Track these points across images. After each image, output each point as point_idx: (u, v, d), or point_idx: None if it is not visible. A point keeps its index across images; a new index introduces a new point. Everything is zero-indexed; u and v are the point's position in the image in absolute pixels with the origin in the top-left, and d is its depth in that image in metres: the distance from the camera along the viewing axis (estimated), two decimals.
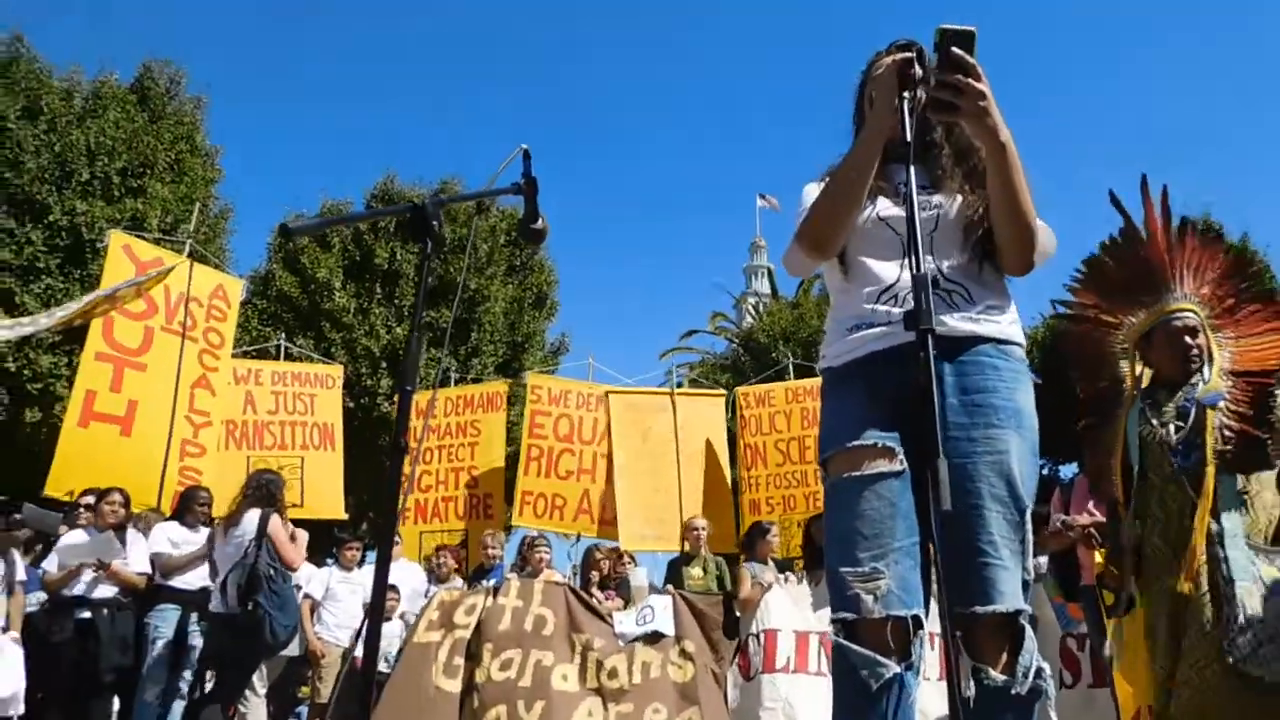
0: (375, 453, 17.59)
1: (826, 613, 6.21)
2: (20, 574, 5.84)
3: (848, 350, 2.10)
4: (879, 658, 1.84)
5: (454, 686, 6.43)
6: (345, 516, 10.39)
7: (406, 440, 1.69)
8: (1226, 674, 2.78)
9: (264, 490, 6.22)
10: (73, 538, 6.32)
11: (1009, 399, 2.00)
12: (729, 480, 10.57)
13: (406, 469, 1.78)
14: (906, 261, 2.03)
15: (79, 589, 6.11)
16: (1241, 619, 2.79)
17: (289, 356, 12.70)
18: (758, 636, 6.60)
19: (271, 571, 5.82)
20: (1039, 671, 1.91)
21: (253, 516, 5.96)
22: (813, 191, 2.25)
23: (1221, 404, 3.15)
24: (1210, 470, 3.03)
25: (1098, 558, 4.90)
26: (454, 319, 18.58)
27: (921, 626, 1.90)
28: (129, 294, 8.27)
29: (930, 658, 2.03)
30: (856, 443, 1.98)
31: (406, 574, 8.18)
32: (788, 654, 6.49)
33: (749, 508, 10.24)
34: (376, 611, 1.71)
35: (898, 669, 1.84)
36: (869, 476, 1.95)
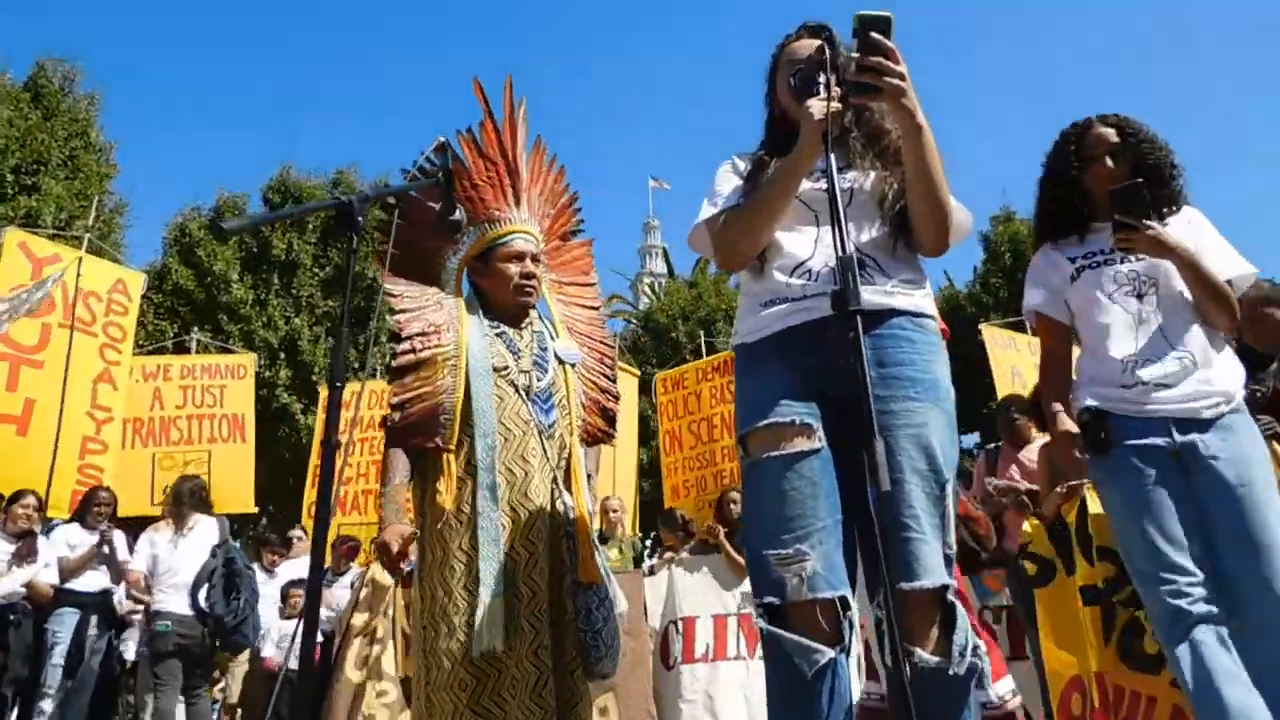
0: (275, 445, 17.07)
1: (739, 590, 6.22)
2: None
3: (763, 326, 2.01)
4: (812, 644, 1.74)
5: (358, 677, 6.18)
6: (255, 509, 10.00)
7: (338, 437, 1.59)
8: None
9: (199, 495, 6.31)
10: None
11: (926, 371, 1.92)
12: (637, 462, 10.36)
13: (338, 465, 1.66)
14: (819, 235, 2.01)
15: None
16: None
17: (188, 350, 12.17)
18: (676, 624, 6.44)
19: (249, 573, 5.93)
20: (975, 649, 1.79)
21: (211, 522, 6.10)
22: (726, 178, 2.18)
23: (578, 366, 2.80)
24: (574, 439, 2.68)
25: (1025, 526, 4.59)
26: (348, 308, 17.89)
27: (849, 608, 1.79)
28: (39, 304, 7.86)
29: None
30: (773, 419, 1.89)
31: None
32: (706, 641, 6.34)
33: (670, 494, 10.01)
34: (312, 610, 1.60)
35: (832, 654, 1.74)
36: (789, 456, 1.85)
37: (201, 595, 5.75)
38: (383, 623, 6.37)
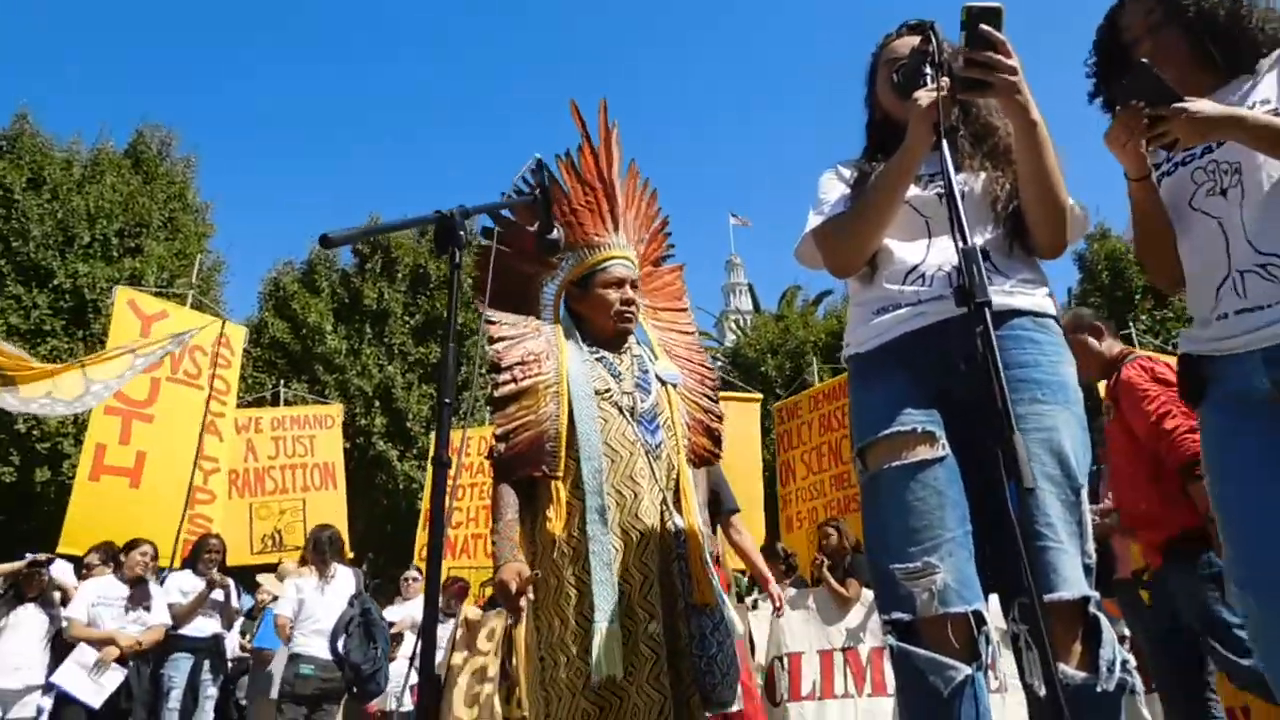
0: (372, 491, 17.42)
1: (844, 625, 6.07)
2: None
3: (876, 334, 1.94)
4: (948, 660, 1.66)
5: (471, 714, 6.23)
6: (351, 555, 10.22)
7: (448, 454, 1.58)
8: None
9: (337, 544, 6.54)
10: (99, 586, 6.15)
11: (1053, 373, 1.83)
12: (762, 491, 10.04)
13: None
14: (931, 241, 1.95)
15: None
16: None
17: (285, 402, 12.57)
18: (782, 660, 6.32)
19: (383, 623, 6.11)
20: (1123, 664, 1.68)
21: (348, 572, 6.35)
22: (831, 186, 2.13)
23: (680, 387, 2.74)
24: (682, 459, 2.59)
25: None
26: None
27: (984, 622, 1.72)
28: (170, 357, 8.33)
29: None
30: (894, 429, 1.82)
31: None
32: (813, 679, 6.19)
33: (785, 526, 9.84)
34: (428, 646, 1.57)
35: (969, 670, 1.66)
36: (911, 465, 1.78)
37: (340, 643, 5.89)
38: (493, 662, 6.41)
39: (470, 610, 6.91)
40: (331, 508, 10.10)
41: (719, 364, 27.43)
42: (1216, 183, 1.97)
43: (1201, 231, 1.98)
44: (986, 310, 1.41)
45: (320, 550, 6.36)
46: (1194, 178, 2.01)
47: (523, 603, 2.26)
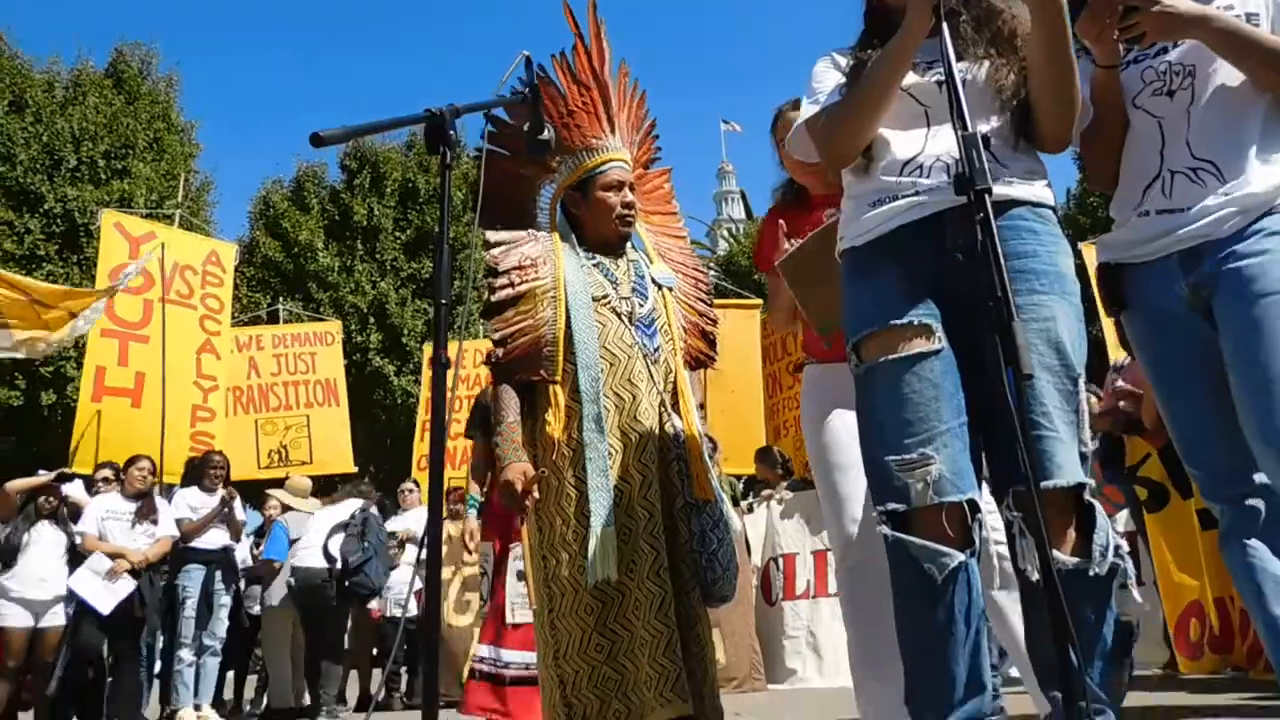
0: (369, 407, 17.49)
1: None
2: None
3: (871, 227, 1.87)
4: (941, 547, 1.66)
5: (465, 620, 6.39)
6: (354, 469, 10.32)
7: (446, 355, 1.57)
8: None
9: (357, 488, 7.13)
10: (107, 502, 6.31)
11: (1051, 263, 1.79)
12: (762, 397, 10.06)
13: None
14: (930, 130, 1.88)
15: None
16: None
17: (282, 320, 12.55)
18: (777, 561, 6.45)
19: (381, 529, 6.67)
20: (1116, 549, 1.67)
21: (359, 500, 6.84)
22: (826, 75, 2.06)
23: (675, 291, 2.70)
24: (679, 362, 2.58)
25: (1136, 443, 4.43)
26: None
27: (979, 510, 1.70)
28: (161, 279, 8.43)
29: None
30: (890, 322, 1.79)
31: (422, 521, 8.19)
32: (807, 578, 6.33)
33: (772, 434, 9.85)
34: (434, 554, 1.57)
35: (962, 557, 1.66)
36: (908, 358, 1.76)
37: (335, 543, 6.21)
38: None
39: (451, 526, 6.99)
40: (334, 423, 10.23)
41: (712, 273, 27.24)
42: (1165, 84, 2.00)
43: (1140, 130, 2.02)
44: (986, 197, 1.38)
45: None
46: (1143, 76, 2.03)
47: (529, 501, 2.28)
